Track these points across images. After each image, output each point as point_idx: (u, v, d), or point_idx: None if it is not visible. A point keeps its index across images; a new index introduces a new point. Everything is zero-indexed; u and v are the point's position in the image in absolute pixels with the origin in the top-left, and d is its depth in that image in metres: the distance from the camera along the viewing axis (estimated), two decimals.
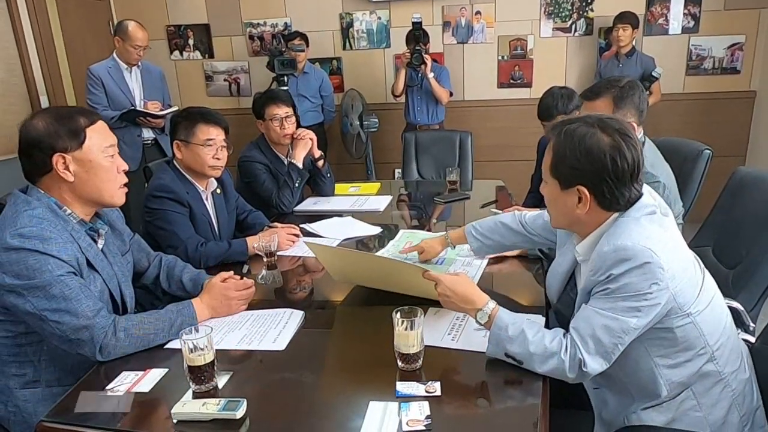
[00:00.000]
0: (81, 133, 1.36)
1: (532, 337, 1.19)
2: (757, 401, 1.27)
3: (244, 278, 1.59)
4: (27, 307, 1.28)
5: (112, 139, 1.43)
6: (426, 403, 1.10)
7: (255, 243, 1.94)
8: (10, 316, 1.33)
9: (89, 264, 1.38)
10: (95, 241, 1.44)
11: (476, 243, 1.75)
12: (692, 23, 4.19)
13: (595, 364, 1.15)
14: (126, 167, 1.46)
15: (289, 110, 2.64)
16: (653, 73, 3.85)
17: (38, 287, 1.27)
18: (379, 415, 1.08)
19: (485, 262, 1.82)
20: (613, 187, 1.17)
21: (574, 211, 1.22)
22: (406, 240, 2.10)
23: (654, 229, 1.17)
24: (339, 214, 2.49)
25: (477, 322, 1.29)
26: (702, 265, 1.28)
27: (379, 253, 1.97)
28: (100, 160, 1.39)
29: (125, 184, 1.46)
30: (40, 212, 1.33)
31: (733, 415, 1.22)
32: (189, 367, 1.17)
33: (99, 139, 1.39)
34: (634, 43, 3.98)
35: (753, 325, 1.61)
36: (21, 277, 1.26)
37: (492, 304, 1.28)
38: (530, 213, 1.73)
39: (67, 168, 1.35)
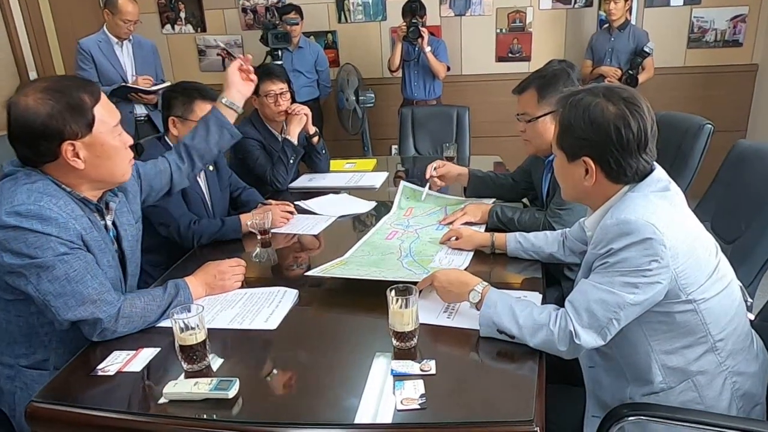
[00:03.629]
0: (89, 113, 1.23)
1: (520, 311, 1.19)
2: (760, 397, 1.25)
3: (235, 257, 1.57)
4: (29, 290, 1.21)
5: (117, 115, 1.32)
6: (421, 382, 1.09)
7: (248, 221, 1.91)
8: (21, 296, 1.26)
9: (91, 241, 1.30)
10: (103, 217, 1.36)
11: (515, 244, 1.65)
12: None
13: (587, 337, 1.13)
14: (131, 141, 1.35)
15: (284, 86, 2.58)
16: (645, 49, 3.78)
17: (40, 267, 1.19)
18: (375, 394, 1.07)
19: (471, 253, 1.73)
20: (619, 157, 1.15)
21: (582, 183, 1.21)
22: (409, 192, 2.23)
23: (662, 205, 1.14)
24: (334, 190, 2.47)
25: (471, 303, 1.29)
26: (719, 252, 1.23)
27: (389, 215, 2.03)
28: (111, 141, 1.27)
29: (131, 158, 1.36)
30: (41, 186, 1.22)
31: (733, 409, 1.20)
32: (180, 346, 1.16)
33: (107, 117, 1.27)
34: (629, 16, 3.89)
35: (750, 300, 1.59)
36: (21, 255, 1.18)
37: (482, 285, 1.28)
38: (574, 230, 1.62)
39: (76, 155, 1.23)
